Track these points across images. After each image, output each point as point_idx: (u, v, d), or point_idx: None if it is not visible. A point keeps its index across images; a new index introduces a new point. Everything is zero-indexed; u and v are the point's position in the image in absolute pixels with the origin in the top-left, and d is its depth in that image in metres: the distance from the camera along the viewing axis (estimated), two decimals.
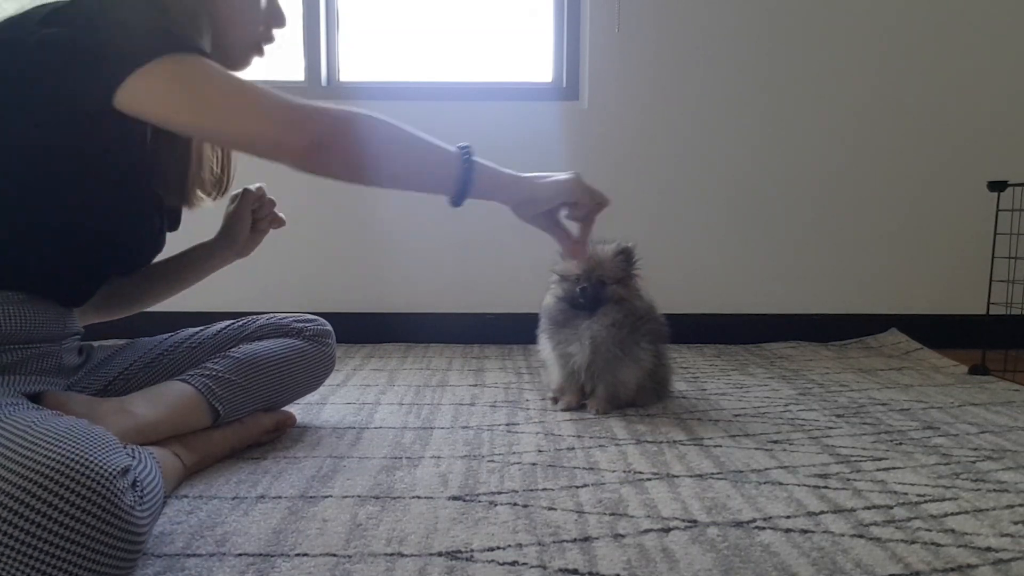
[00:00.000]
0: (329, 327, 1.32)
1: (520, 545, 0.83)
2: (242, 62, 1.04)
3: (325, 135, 0.88)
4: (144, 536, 0.70)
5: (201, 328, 1.23)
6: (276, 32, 1.06)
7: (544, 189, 1.04)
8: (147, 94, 0.81)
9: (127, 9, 0.88)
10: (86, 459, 0.66)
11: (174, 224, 1.12)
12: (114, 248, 0.99)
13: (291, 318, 1.28)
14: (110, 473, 0.67)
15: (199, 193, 1.09)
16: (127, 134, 0.92)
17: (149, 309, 1.24)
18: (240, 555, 0.80)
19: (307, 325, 1.28)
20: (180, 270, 1.21)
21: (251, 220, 1.22)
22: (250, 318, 1.27)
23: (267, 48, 1.06)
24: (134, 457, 0.77)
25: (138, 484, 0.71)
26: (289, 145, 0.86)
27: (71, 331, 1.01)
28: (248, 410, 1.14)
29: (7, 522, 0.62)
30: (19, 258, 0.90)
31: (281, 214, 1.26)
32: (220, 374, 1.10)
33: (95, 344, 1.17)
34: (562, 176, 1.06)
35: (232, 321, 1.25)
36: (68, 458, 0.65)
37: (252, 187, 1.22)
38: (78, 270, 0.97)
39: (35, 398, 0.89)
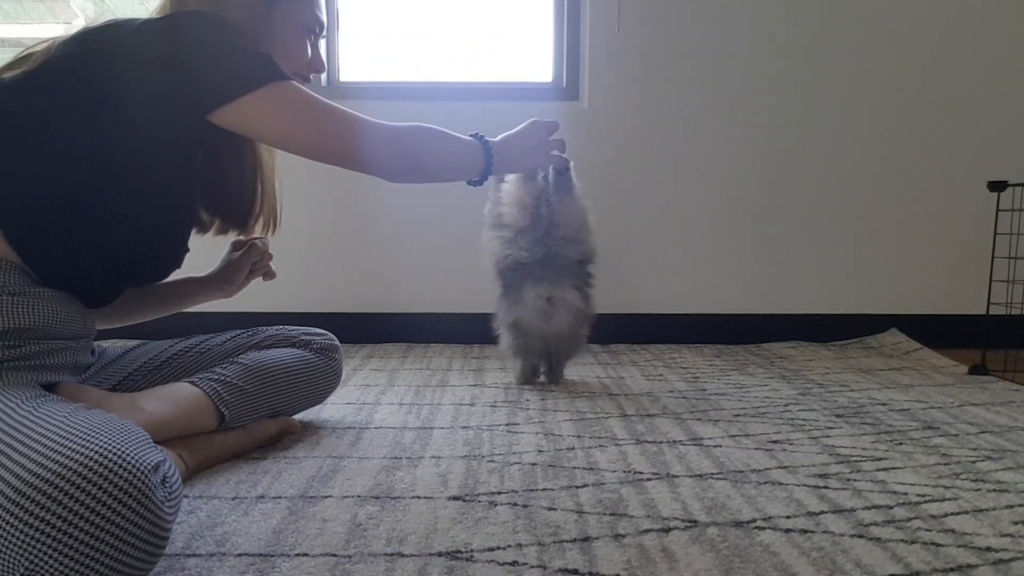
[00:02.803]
0: (337, 341, 1.33)
1: (520, 545, 0.83)
2: None
3: (408, 154, 1.08)
4: (170, 532, 0.71)
5: (211, 335, 1.24)
6: (315, 72, 1.17)
7: (527, 160, 1.33)
8: (257, 113, 0.95)
9: (225, 33, 0.95)
10: (122, 453, 0.67)
11: None
12: (145, 258, 1.02)
13: (300, 330, 1.30)
14: (145, 468, 0.67)
15: (257, 223, 1.19)
16: (184, 154, 1.00)
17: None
18: (240, 555, 0.80)
19: (315, 338, 1.30)
20: (168, 297, 1.25)
21: (249, 270, 1.30)
22: (259, 327, 1.28)
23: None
24: (162, 453, 0.77)
25: (167, 480, 0.72)
26: (381, 163, 1.06)
27: (90, 331, 1.02)
28: (252, 417, 1.15)
29: (45, 509, 0.62)
30: (55, 257, 0.92)
31: (274, 267, 1.34)
32: (228, 379, 1.10)
33: (105, 344, 1.18)
34: (529, 139, 1.31)
35: (242, 330, 1.27)
36: (105, 451, 0.66)
37: (259, 241, 1.29)
38: (108, 275, 1.00)
39: (49, 388, 0.90)
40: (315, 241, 2.25)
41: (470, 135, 1.20)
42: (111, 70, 0.91)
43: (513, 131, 1.30)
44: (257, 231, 1.22)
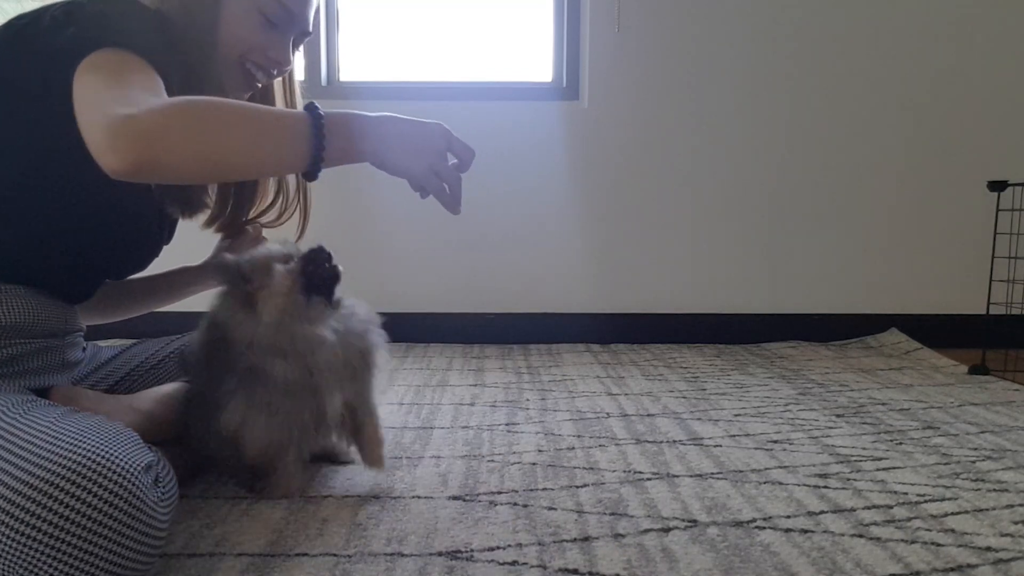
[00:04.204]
0: None
1: (520, 545, 0.83)
2: (231, 80, 1.02)
3: (149, 131, 0.73)
4: (165, 533, 0.70)
5: None
6: (275, 67, 1.03)
7: (397, 158, 0.90)
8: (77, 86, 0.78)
9: (113, 8, 0.86)
10: (111, 455, 0.66)
11: (169, 236, 1.12)
12: (113, 250, 1.00)
13: None
14: (135, 469, 0.67)
15: (204, 207, 1.10)
16: None
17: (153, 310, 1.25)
18: (240, 555, 0.80)
19: None
20: (163, 288, 1.23)
21: None
22: None
23: (260, 82, 1.04)
24: (154, 453, 0.77)
25: (160, 481, 0.72)
26: (107, 146, 0.73)
27: (73, 327, 1.01)
28: None
29: (35, 516, 0.62)
30: (22, 253, 0.90)
31: None
32: None
33: (100, 344, 1.17)
34: (430, 136, 0.91)
35: None
36: (94, 454, 0.66)
37: (250, 228, 1.26)
38: (77, 268, 0.98)
39: (42, 393, 0.89)
40: (314, 240, 2.25)
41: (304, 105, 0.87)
42: (28, 54, 0.85)
43: (402, 116, 0.91)
44: (262, 221, 1.20)
